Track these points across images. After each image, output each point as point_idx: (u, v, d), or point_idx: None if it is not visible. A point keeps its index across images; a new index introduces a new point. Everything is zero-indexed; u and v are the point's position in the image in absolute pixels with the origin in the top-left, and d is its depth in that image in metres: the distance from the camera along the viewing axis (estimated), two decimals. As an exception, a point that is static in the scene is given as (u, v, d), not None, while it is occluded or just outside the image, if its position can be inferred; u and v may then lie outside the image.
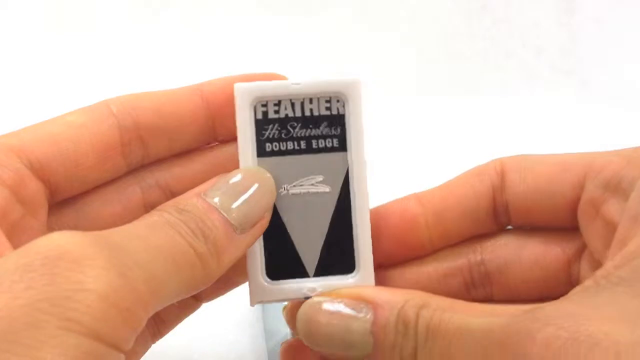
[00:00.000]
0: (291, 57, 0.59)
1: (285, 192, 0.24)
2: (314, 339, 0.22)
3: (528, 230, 0.26)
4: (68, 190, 0.24)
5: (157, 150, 0.25)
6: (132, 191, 0.26)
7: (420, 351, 0.20)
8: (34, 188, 0.23)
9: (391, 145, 0.51)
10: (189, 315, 0.28)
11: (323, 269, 0.24)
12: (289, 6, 0.60)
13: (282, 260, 0.24)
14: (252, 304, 0.24)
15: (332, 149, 0.24)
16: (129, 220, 0.21)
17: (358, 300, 0.22)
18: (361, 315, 0.22)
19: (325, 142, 0.24)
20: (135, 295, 0.18)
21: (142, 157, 0.26)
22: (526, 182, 0.25)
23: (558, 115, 0.54)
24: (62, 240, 0.18)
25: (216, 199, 0.22)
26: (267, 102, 0.24)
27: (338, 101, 0.24)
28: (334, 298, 0.23)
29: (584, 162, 0.24)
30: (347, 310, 0.22)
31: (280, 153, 0.24)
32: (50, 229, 0.24)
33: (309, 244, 0.24)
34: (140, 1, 0.60)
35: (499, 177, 0.25)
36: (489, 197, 0.25)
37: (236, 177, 0.23)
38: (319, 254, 0.24)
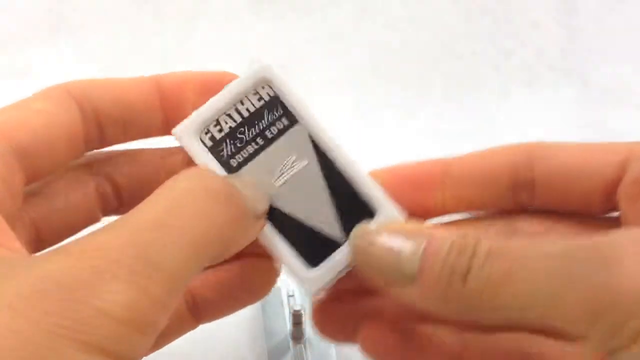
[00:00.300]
0: (291, 57, 0.59)
1: (274, 187, 0.24)
2: (365, 264, 0.23)
3: (550, 213, 0.25)
4: (40, 176, 0.24)
5: (112, 138, 0.25)
6: (87, 179, 0.26)
7: (474, 273, 0.20)
8: (17, 174, 0.23)
9: (391, 145, 0.51)
10: (185, 333, 0.28)
11: (349, 230, 0.24)
12: (289, 6, 0.60)
13: (311, 245, 0.24)
14: (313, 295, 0.25)
15: (285, 128, 0.25)
16: (89, 209, 0.22)
17: (412, 231, 0.22)
18: (412, 242, 0.22)
19: (276, 126, 0.25)
20: (156, 306, 0.18)
21: (99, 144, 0.26)
22: (559, 160, 0.24)
23: (558, 115, 0.54)
24: (78, 262, 0.18)
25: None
26: (207, 127, 0.24)
27: (263, 87, 0.24)
28: (388, 226, 0.23)
29: (625, 145, 0.23)
30: (398, 238, 0.22)
31: (247, 160, 0.24)
32: (20, 218, 0.24)
33: (322, 217, 0.24)
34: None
35: (525, 154, 0.25)
36: (511, 172, 0.25)
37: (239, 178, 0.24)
38: (337, 220, 0.24)
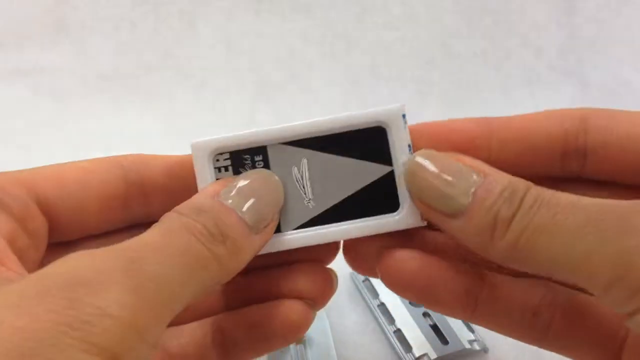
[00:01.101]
0: (291, 57, 0.59)
1: (307, 200, 0.25)
2: (418, 189, 0.23)
3: (600, 183, 0.24)
4: (68, 232, 0.25)
5: (160, 211, 0.24)
6: None
7: (519, 217, 0.20)
8: (39, 222, 0.23)
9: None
10: None
11: (393, 161, 0.24)
12: (289, 6, 0.60)
13: (379, 197, 0.24)
14: (423, 223, 0.24)
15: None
16: None
17: (470, 164, 0.22)
18: (469, 176, 0.22)
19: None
20: (151, 312, 0.18)
21: (144, 215, 0.26)
22: (617, 128, 0.23)
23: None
24: (79, 264, 0.18)
25: (230, 201, 0.22)
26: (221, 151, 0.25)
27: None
28: (446, 155, 0.23)
29: None
30: (455, 168, 0.22)
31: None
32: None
33: (362, 175, 0.24)
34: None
35: (579, 120, 0.24)
36: (562, 138, 0.24)
37: (244, 180, 0.23)
38: (376, 161, 0.24)
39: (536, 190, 0.21)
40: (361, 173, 0.24)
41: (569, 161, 0.24)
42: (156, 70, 0.58)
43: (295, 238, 0.24)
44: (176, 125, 0.55)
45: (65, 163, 0.25)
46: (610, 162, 0.23)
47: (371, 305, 0.38)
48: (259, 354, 0.26)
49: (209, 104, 0.57)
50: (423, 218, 0.24)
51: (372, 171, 0.24)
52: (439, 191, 0.22)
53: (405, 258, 0.24)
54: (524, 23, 0.59)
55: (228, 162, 0.24)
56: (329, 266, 0.26)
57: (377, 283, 0.38)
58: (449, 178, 0.22)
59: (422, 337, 0.35)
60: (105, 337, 0.17)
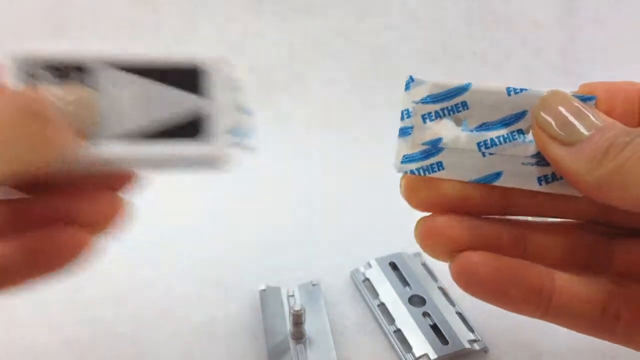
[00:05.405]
0: (291, 57, 0.59)
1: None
2: (547, 113, 0.24)
3: None
4: None
5: None
6: None
7: (635, 143, 0.22)
8: None
9: (392, 145, 0.51)
10: None
11: None
12: (289, 6, 0.60)
13: None
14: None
15: None
16: None
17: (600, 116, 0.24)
18: (597, 118, 0.23)
19: None
20: None
21: None
22: None
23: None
24: None
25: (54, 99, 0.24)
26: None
27: None
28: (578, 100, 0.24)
29: None
30: (585, 107, 0.24)
31: None
32: None
33: None
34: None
35: None
36: None
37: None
38: None
39: None
40: (177, 102, 0.25)
41: None
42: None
43: (105, 151, 0.24)
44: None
45: None
46: None
47: (371, 305, 0.38)
48: (35, 279, 0.25)
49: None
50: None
51: (188, 101, 0.25)
52: (566, 119, 0.24)
53: (479, 260, 0.25)
54: (524, 23, 0.59)
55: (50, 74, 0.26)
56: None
57: (377, 283, 0.38)
58: (580, 111, 0.24)
59: (422, 337, 0.35)
60: None
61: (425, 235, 0.26)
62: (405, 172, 0.26)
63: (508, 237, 0.26)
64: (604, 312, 0.25)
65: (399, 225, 0.41)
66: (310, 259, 0.41)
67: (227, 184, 0.49)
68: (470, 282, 0.25)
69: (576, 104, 0.24)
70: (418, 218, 0.27)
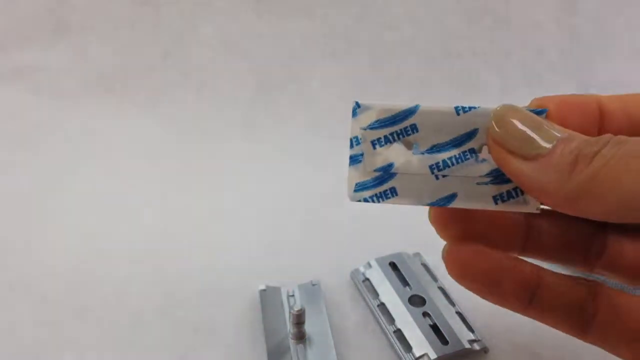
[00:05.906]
0: (291, 57, 0.59)
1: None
2: (503, 131, 0.24)
3: None
4: None
5: None
6: None
7: (604, 151, 0.21)
8: None
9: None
10: None
11: None
12: (289, 6, 0.60)
13: None
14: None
15: None
16: None
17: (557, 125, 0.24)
18: (554, 129, 0.23)
19: None
20: None
21: None
22: None
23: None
24: None
25: None
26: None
27: None
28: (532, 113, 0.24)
29: None
30: (540, 120, 0.24)
31: None
32: None
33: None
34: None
35: None
36: None
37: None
38: None
39: (620, 137, 0.22)
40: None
41: None
42: (156, 71, 0.58)
43: None
44: (176, 125, 0.55)
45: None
46: None
47: (371, 305, 0.38)
48: None
49: (208, 104, 0.57)
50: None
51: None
52: (524, 134, 0.23)
53: (472, 251, 0.26)
54: (524, 23, 0.59)
55: None
56: None
57: (377, 283, 0.38)
58: (537, 124, 0.23)
59: (422, 337, 0.35)
60: None
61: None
62: (359, 201, 0.26)
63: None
64: (581, 310, 0.25)
65: (399, 225, 0.41)
66: (310, 259, 0.41)
67: (227, 184, 0.49)
68: (464, 274, 0.26)
69: (532, 116, 0.24)
70: (420, 221, 0.27)
